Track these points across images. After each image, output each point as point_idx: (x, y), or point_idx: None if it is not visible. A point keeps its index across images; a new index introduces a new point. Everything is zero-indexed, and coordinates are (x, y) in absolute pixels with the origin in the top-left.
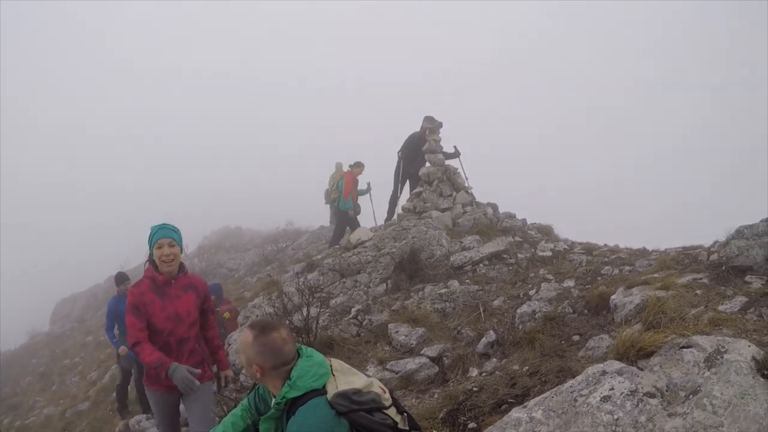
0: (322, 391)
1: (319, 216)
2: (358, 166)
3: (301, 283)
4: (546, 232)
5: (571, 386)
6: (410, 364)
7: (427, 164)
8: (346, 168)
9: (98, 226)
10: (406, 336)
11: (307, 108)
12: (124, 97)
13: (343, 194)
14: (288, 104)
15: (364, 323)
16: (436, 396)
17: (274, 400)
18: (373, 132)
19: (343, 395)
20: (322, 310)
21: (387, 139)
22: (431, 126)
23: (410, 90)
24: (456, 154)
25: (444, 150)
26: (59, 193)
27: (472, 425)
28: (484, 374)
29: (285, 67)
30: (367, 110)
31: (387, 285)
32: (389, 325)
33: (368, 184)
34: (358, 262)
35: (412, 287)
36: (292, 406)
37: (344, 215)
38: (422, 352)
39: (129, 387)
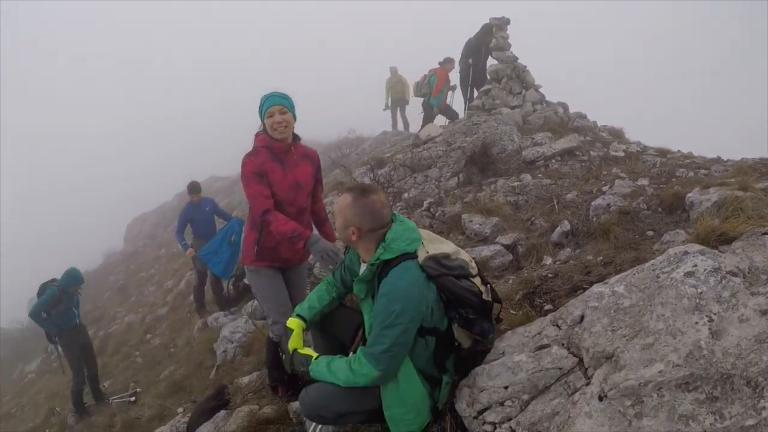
0: (413, 254)
1: (381, 122)
2: (448, 62)
3: (374, 177)
4: (617, 134)
5: (652, 265)
6: (485, 251)
7: (494, 61)
8: (400, 72)
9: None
10: (480, 225)
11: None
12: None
13: (434, 90)
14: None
15: (437, 215)
16: (510, 281)
17: (364, 264)
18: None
19: (434, 259)
20: (394, 203)
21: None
22: (498, 23)
23: None
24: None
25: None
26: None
27: (548, 307)
28: (558, 263)
29: None
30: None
31: (458, 178)
32: (462, 216)
33: (454, 84)
34: (429, 157)
35: (484, 181)
36: (384, 268)
37: (430, 110)
38: (496, 240)
39: (205, 288)
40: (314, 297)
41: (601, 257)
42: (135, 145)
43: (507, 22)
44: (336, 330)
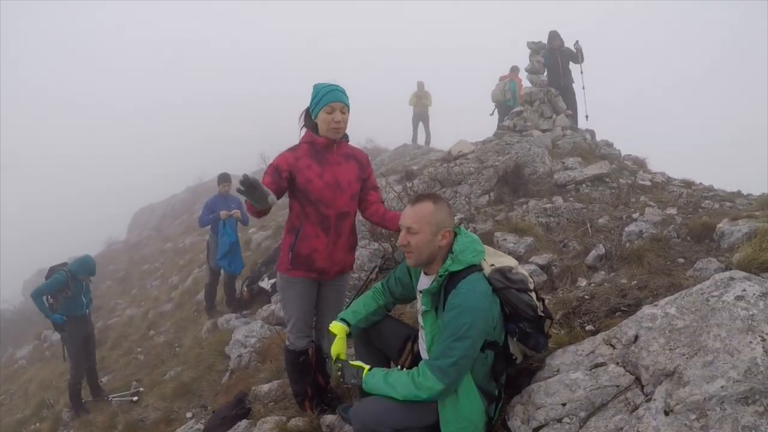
0: (479, 267)
1: (402, 133)
2: (517, 70)
3: (401, 190)
4: (640, 164)
5: (700, 289)
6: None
7: (528, 84)
8: (426, 87)
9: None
10: (514, 244)
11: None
12: None
13: (518, 97)
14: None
15: (468, 230)
16: (546, 301)
17: (426, 276)
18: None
19: (500, 272)
20: None
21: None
22: (534, 47)
23: None
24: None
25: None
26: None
27: (589, 327)
28: (593, 285)
29: None
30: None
31: (489, 196)
32: (495, 234)
33: None
34: (461, 173)
35: (516, 200)
36: (450, 280)
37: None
38: (531, 260)
39: (217, 288)
40: (360, 302)
41: (636, 281)
42: (145, 133)
43: (543, 47)
44: (381, 343)
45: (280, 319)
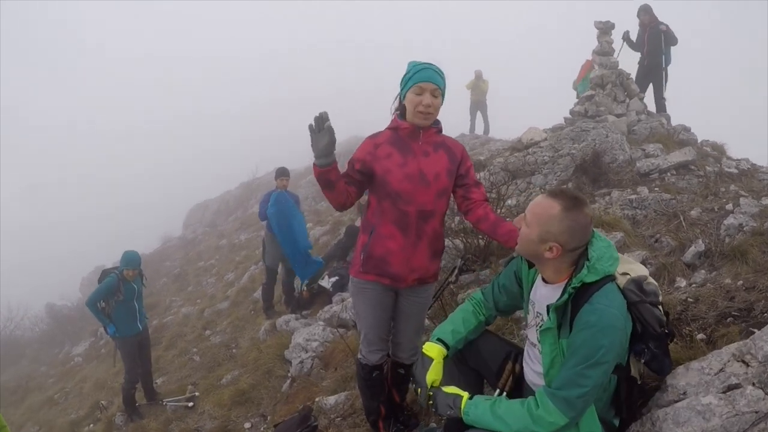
0: (612, 276)
1: (457, 123)
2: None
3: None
4: (720, 150)
5: None
6: None
7: (597, 66)
8: (485, 76)
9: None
10: None
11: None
12: None
13: (578, 77)
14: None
15: None
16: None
17: (546, 285)
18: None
19: (636, 282)
20: (496, 210)
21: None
22: (603, 27)
23: None
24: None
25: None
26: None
27: (700, 336)
28: (694, 286)
29: None
30: None
31: (567, 187)
32: None
33: None
34: (534, 163)
35: (596, 191)
36: (580, 292)
37: None
38: None
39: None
40: (458, 318)
41: (741, 281)
42: (201, 132)
43: (612, 26)
44: (477, 362)
45: (342, 321)
